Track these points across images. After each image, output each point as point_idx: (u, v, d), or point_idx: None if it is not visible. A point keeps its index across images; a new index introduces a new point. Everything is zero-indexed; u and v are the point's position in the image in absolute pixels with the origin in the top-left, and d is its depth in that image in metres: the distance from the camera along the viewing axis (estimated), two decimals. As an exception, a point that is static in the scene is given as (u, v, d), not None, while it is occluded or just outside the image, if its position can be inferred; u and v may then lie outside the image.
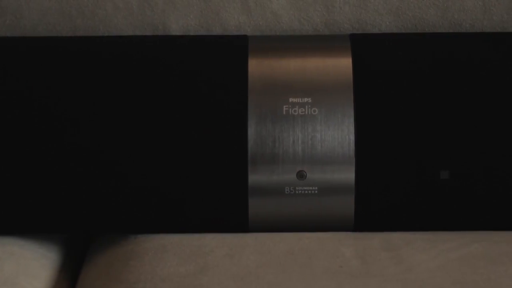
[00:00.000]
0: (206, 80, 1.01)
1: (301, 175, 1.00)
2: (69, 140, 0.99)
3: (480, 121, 1.00)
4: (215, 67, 1.01)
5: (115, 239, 1.02)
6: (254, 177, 0.99)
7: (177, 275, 0.93)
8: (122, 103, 1.00)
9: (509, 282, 0.90)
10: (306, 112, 1.00)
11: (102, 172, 1.00)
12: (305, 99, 1.00)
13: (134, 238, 1.00)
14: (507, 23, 1.08)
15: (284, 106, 1.00)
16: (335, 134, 1.00)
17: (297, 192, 1.00)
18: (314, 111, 1.00)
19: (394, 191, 1.00)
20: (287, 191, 1.00)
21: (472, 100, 1.00)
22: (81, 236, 1.10)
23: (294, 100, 1.00)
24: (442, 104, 1.00)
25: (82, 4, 1.08)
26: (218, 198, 1.00)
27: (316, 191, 1.00)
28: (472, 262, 0.93)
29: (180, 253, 0.96)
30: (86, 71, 1.01)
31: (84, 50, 1.03)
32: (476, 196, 1.00)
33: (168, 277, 0.93)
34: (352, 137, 0.99)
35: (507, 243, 0.97)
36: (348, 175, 0.99)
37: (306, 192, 1.00)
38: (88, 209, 1.00)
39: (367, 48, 1.02)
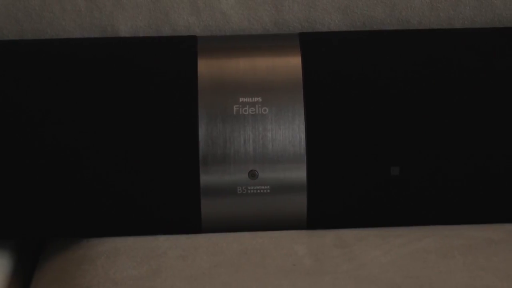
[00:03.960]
0: (156, 81, 1.00)
1: (253, 174, 1.00)
2: (16, 145, 0.98)
3: (428, 117, 1.01)
4: (164, 68, 1.01)
5: (67, 243, 1.01)
6: (206, 178, 0.99)
7: (130, 278, 0.92)
8: (70, 105, 0.99)
9: (460, 275, 0.91)
10: (257, 112, 1.00)
11: (52, 176, 0.99)
12: (255, 99, 1.00)
13: (87, 242, 1.00)
14: (454, 20, 1.09)
15: (235, 106, 1.00)
16: (286, 133, 1.00)
17: (249, 191, 1.00)
18: (265, 110, 1.00)
19: (346, 189, 1.00)
20: (239, 191, 1.00)
21: (420, 96, 1.01)
22: (32, 241, 1.09)
23: (244, 99, 1.00)
24: (391, 101, 1.01)
25: (29, 7, 1.07)
26: (171, 199, 1.00)
27: (268, 190, 1.00)
28: (423, 257, 0.94)
29: (133, 256, 0.96)
30: (34, 74, 1.00)
31: (32, 52, 1.02)
32: (427, 191, 1.01)
33: (121, 280, 0.92)
34: (303, 136, 1.00)
35: (457, 237, 0.98)
36: (299, 174, 1.00)
37: (258, 191, 1.00)
38: (39, 214, 0.99)
39: (316, 47, 1.03)
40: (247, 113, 1.00)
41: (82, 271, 0.95)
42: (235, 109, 1.00)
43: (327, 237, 0.99)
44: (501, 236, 0.98)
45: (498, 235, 0.98)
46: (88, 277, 0.94)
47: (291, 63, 1.01)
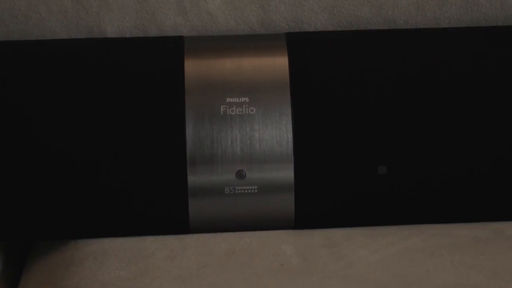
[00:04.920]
0: (143, 82, 1.00)
1: (240, 174, 1.00)
2: (1, 147, 0.98)
3: (415, 117, 1.01)
4: (151, 68, 1.01)
5: (55, 245, 1.01)
6: (194, 178, 0.99)
7: (118, 279, 0.92)
8: (56, 107, 0.99)
9: (448, 274, 0.92)
10: (244, 112, 1.00)
11: (38, 178, 0.98)
12: (243, 99, 1.00)
13: (74, 243, 1.00)
14: (440, 19, 1.09)
15: (222, 106, 1.00)
16: (273, 133, 1.00)
17: (237, 191, 1.00)
18: (252, 110, 1.00)
19: (333, 188, 1.01)
20: (227, 191, 1.00)
21: (407, 96, 1.02)
22: (20, 243, 1.08)
23: (232, 100, 1.00)
24: (378, 100, 1.01)
25: (15, 8, 1.07)
26: (158, 200, 0.99)
27: (255, 190, 1.00)
28: (411, 255, 0.95)
29: (120, 257, 0.96)
30: (20, 75, 1.00)
31: (18, 53, 1.01)
32: (414, 190, 1.01)
33: (109, 281, 0.92)
34: (290, 136, 1.00)
35: (445, 236, 0.98)
36: (287, 173, 1.00)
37: (246, 191, 1.00)
38: (27, 216, 0.99)
39: (303, 47, 1.03)
40: (234, 113, 1.00)
41: (70, 272, 0.95)
42: (222, 109, 1.00)
43: (315, 237, 0.99)
44: (488, 234, 0.99)
45: (485, 234, 0.99)
46: (76, 278, 0.93)
47: (278, 63, 1.02)
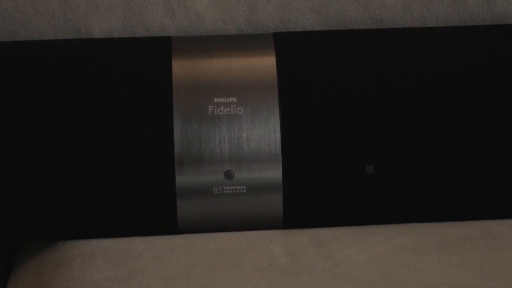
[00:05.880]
0: (130, 82, 1.00)
1: (228, 175, 1.00)
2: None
3: (403, 116, 1.01)
4: (139, 69, 1.00)
5: (43, 246, 1.00)
6: (182, 179, 0.99)
7: (106, 280, 0.92)
8: (43, 107, 0.99)
9: (435, 272, 0.92)
10: (232, 112, 1.00)
11: (25, 179, 0.98)
12: (230, 99, 1.00)
13: (62, 245, 0.99)
14: (427, 18, 1.10)
15: (210, 106, 1.00)
16: (261, 133, 1.00)
17: (225, 192, 1.00)
18: (240, 110, 1.00)
19: (322, 188, 1.01)
20: (215, 191, 1.00)
21: (394, 95, 1.02)
22: (8, 244, 1.08)
23: (219, 100, 1.00)
24: (366, 100, 1.01)
25: (1, 8, 1.07)
26: (146, 201, 0.99)
27: (244, 190, 1.00)
28: (399, 254, 0.95)
29: (109, 258, 0.96)
30: (7, 76, 1.00)
31: (5, 54, 1.01)
32: (401, 189, 1.01)
33: (97, 282, 0.92)
34: (278, 135, 1.00)
35: (432, 235, 0.99)
36: (275, 173, 1.00)
37: (234, 191, 1.00)
38: (14, 217, 0.99)
39: (290, 47, 1.03)
40: (222, 113, 1.00)
41: (58, 274, 0.94)
42: (210, 109, 1.00)
43: (303, 237, 0.99)
44: (475, 233, 0.99)
45: (472, 232, 0.99)
46: (64, 280, 0.93)
47: (265, 63, 1.02)
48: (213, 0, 1.08)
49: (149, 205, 0.99)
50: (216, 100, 1.00)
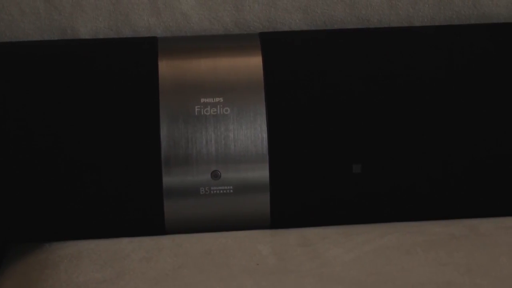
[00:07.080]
0: (117, 83, 1.00)
1: (215, 175, 1.00)
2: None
3: (389, 115, 1.02)
4: (125, 69, 1.00)
5: (29, 248, 1.00)
6: (169, 179, 0.99)
7: (94, 281, 0.92)
8: (29, 108, 0.99)
9: (423, 271, 0.92)
10: (218, 112, 1.00)
11: (12, 180, 0.98)
12: (217, 99, 1.00)
13: (49, 246, 0.99)
14: (413, 18, 1.10)
15: (196, 107, 1.00)
16: (248, 133, 1.00)
17: (212, 192, 1.00)
18: (226, 110, 1.00)
19: (309, 187, 1.01)
20: (202, 192, 1.00)
21: (381, 94, 1.02)
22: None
23: (206, 100, 1.00)
24: (352, 99, 1.01)
25: (-13, 9, 1.06)
26: (133, 201, 0.99)
27: (231, 191, 1.00)
28: (386, 254, 0.95)
29: (96, 259, 0.95)
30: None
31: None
32: (388, 188, 1.02)
33: (84, 283, 0.92)
34: (265, 135, 1.00)
35: (419, 233, 0.99)
36: (262, 173, 1.00)
37: (221, 191, 1.00)
38: (2, 218, 0.98)
39: (276, 47, 1.03)
40: (208, 113, 1.00)
41: (45, 275, 0.94)
42: (196, 109, 1.00)
43: (291, 236, 0.99)
44: (462, 231, 0.99)
45: (459, 231, 1.00)
46: (51, 281, 0.93)
47: (252, 63, 1.02)
48: (199, 0, 1.08)
49: (136, 205, 0.99)
50: (202, 100, 1.00)
